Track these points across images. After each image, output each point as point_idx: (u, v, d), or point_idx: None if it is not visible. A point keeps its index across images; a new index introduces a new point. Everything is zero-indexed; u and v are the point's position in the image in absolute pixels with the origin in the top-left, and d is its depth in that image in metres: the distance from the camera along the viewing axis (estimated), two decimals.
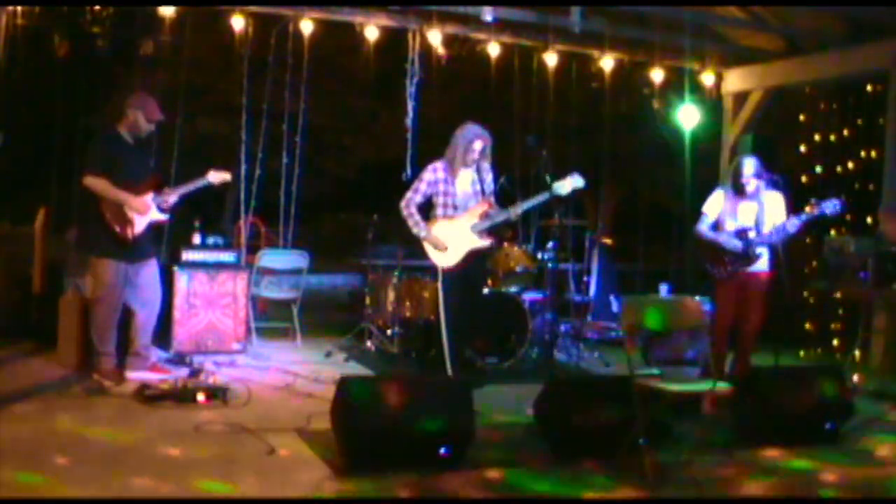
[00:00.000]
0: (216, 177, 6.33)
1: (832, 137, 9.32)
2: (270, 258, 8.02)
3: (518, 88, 9.19)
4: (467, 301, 6.39)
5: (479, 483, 4.37)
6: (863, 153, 9.02)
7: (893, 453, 5.26)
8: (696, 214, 6.51)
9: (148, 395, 5.46)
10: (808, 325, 9.06)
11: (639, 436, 4.49)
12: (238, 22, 7.69)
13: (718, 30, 9.10)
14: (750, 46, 9.11)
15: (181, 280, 7.10)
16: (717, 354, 6.37)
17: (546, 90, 9.00)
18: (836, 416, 5.33)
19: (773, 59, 8.94)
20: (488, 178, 6.42)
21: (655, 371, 6.39)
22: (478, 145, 6.26)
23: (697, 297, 6.78)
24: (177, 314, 7.07)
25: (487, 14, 7.80)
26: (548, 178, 6.07)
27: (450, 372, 6.14)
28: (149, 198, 6.03)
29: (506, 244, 7.62)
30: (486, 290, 7.17)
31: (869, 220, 8.29)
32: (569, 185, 6.06)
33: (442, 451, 4.45)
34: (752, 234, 6.19)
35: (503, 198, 6.46)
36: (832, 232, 8.41)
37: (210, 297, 7.19)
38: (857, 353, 7.56)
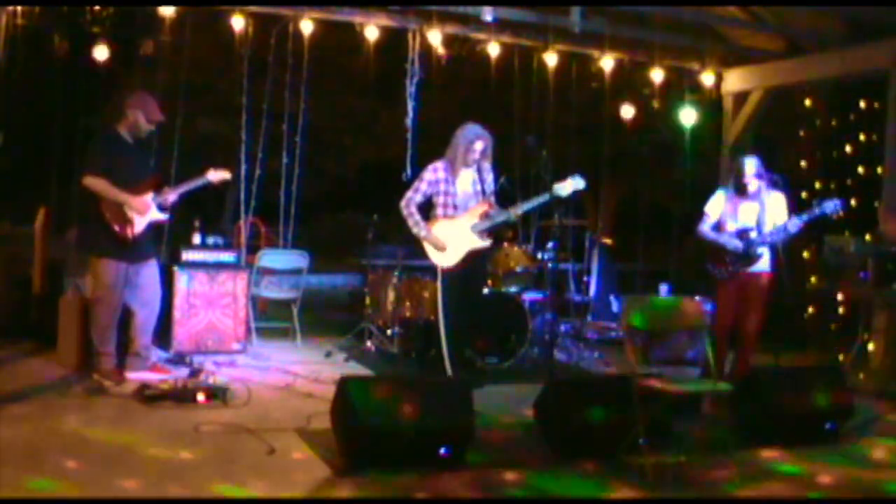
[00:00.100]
0: (216, 175, 6.34)
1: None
2: (270, 258, 8.02)
3: (518, 88, 9.19)
4: (467, 301, 6.39)
5: (479, 483, 4.37)
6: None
7: (893, 454, 5.27)
8: (697, 215, 6.51)
9: (148, 395, 5.46)
10: (808, 326, 9.06)
11: (639, 436, 4.49)
12: (238, 22, 7.69)
13: (718, 30, 9.09)
14: (750, 46, 9.10)
15: (181, 280, 7.10)
16: (717, 354, 6.37)
17: (546, 90, 8.99)
18: (835, 416, 5.33)
19: (773, 59, 8.94)
20: (489, 178, 6.42)
21: (655, 371, 6.38)
22: (479, 145, 6.26)
23: (697, 297, 6.79)
24: (177, 314, 7.07)
25: (487, 14, 7.80)
26: (548, 180, 6.07)
27: (449, 372, 6.14)
28: (149, 197, 6.03)
29: (506, 244, 7.62)
30: (486, 290, 7.17)
31: (875, 205, 8.23)
32: (569, 186, 6.05)
33: (442, 451, 4.46)
34: (753, 235, 6.19)
35: (503, 198, 6.46)
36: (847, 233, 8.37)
37: (210, 297, 7.19)
38: (856, 352, 7.56)
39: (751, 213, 6.28)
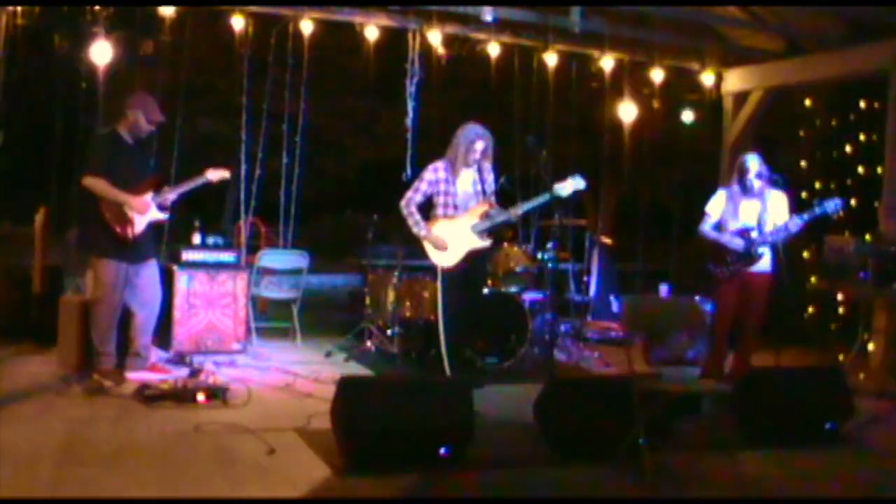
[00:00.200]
0: (215, 175, 6.34)
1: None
2: (270, 258, 8.02)
3: (518, 88, 9.19)
4: (467, 301, 6.39)
5: (479, 483, 4.37)
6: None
7: (893, 454, 5.26)
8: (698, 215, 6.51)
9: (148, 395, 5.45)
10: (808, 326, 9.06)
11: (639, 436, 4.49)
12: (238, 22, 7.69)
13: (718, 30, 9.10)
14: (750, 46, 9.11)
15: (181, 280, 7.10)
16: (717, 354, 6.37)
17: (546, 90, 9.00)
18: (836, 416, 5.32)
19: (773, 59, 8.94)
20: (489, 178, 6.41)
21: (656, 371, 6.39)
22: (479, 145, 6.25)
23: (697, 297, 6.80)
24: (177, 314, 7.07)
25: (487, 14, 7.80)
26: (548, 180, 6.07)
27: (449, 372, 6.14)
28: (148, 197, 6.03)
29: (506, 244, 7.62)
30: (486, 290, 7.17)
31: (875, 205, 8.23)
32: (570, 186, 6.05)
33: (442, 451, 4.45)
34: (754, 234, 6.19)
35: (503, 198, 6.46)
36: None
37: (210, 297, 7.19)
38: (856, 352, 7.56)
39: (752, 212, 6.28)
